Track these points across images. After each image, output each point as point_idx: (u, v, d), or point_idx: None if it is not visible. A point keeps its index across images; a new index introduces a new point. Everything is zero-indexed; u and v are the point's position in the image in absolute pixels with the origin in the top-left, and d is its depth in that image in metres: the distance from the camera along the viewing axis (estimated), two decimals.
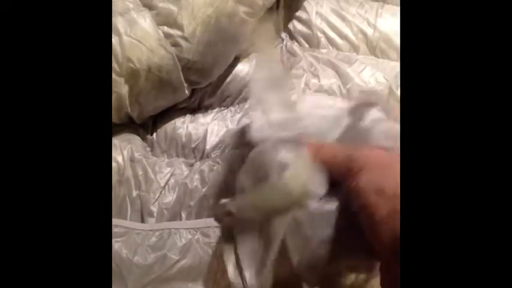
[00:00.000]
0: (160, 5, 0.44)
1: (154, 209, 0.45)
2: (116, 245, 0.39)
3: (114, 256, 0.38)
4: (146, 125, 0.49)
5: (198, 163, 0.47)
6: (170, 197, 0.45)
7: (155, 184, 0.46)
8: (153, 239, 0.41)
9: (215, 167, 0.46)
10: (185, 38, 0.44)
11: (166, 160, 0.48)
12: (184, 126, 0.48)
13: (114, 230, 0.40)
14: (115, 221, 0.40)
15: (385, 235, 0.24)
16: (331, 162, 0.27)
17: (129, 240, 0.40)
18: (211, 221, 0.42)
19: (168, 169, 0.47)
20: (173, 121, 0.48)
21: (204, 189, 0.45)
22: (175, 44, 0.44)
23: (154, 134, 0.49)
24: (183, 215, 0.44)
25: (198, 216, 0.44)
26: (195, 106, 0.49)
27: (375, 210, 0.24)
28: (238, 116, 0.49)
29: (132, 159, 0.46)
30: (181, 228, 0.42)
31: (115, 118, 0.47)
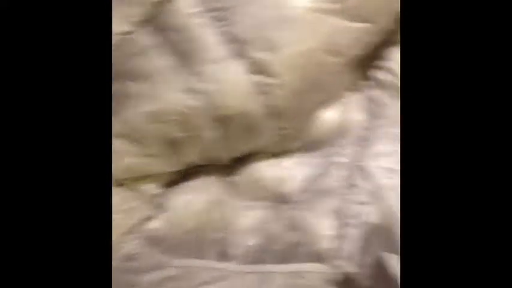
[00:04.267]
0: (256, 55, 0.46)
1: (237, 251, 0.46)
2: None
3: None
4: (229, 167, 0.50)
5: (282, 207, 0.48)
6: (253, 241, 0.46)
7: (238, 227, 0.46)
8: None
9: (296, 212, 0.46)
10: (276, 86, 0.45)
11: (249, 203, 0.49)
12: (267, 169, 0.49)
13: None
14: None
15: None
16: None
17: None
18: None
19: (251, 212, 0.47)
20: (257, 164, 0.49)
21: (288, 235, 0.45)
22: (266, 92, 0.45)
23: (238, 176, 0.50)
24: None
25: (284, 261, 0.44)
26: (279, 150, 0.50)
27: None
28: (320, 161, 0.49)
29: (217, 202, 0.47)
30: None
31: (199, 159, 0.48)
